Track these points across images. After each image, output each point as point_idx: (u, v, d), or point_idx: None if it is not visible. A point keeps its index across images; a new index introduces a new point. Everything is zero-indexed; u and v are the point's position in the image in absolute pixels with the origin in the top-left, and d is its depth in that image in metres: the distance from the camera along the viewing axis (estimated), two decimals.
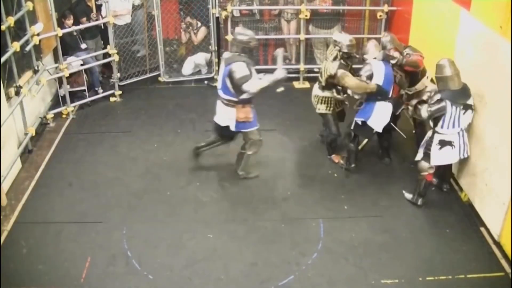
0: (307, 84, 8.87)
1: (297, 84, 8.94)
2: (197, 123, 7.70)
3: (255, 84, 5.70)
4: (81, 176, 6.47)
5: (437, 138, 5.56)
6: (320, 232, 5.55)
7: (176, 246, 5.36)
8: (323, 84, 6.26)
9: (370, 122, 6.02)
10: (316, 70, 9.15)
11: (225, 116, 5.98)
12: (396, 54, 6.01)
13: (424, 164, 5.70)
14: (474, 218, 5.70)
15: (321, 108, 6.43)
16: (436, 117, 5.45)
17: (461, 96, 5.40)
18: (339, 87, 6.17)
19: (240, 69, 5.64)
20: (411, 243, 5.40)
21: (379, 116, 6.01)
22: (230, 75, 5.70)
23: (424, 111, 5.50)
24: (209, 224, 5.66)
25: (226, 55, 5.96)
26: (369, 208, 5.92)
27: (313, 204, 5.98)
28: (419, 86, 6.13)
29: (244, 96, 5.81)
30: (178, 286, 4.91)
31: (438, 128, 5.51)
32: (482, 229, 5.54)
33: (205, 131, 7.44)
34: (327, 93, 6.32)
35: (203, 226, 5.63)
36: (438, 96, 5.40)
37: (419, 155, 5.78)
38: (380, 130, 6.09)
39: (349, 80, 5.93)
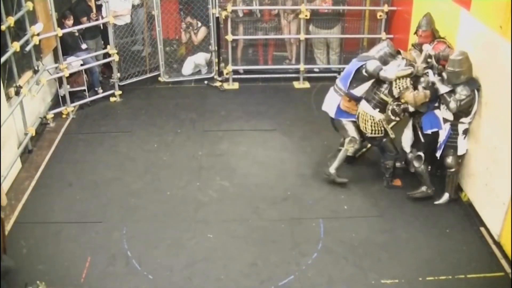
0: (307, 84, 8.87)
1: (297, 84, 8.94)
2: (197, 123, 7.70)
3: (392, 70, 5.73)
4: (81, 176, 6.47)
5: (461, 128, 5.62)
6: (320, 232, 5.55)
7: (176, 246, 5.36)
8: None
9: (442, 131, 5.75)
10: (316, 70, 9.19)
11: (330, 101, 6.23)
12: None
13: (452, 159, 5.70)
14: (474, 218, 5.69)
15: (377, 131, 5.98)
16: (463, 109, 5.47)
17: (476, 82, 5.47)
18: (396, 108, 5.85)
19: (372, 63, 5.83)
20: (411, 243, 5.40)
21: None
22: (360, 70, 5.88)
23: (453, 104, 5.40)
24: (209, 224, 5.66)
25: (365, 53, 6.26)
26: (369, 208, 5.92)
27: (313, 204, 5.98)
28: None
29: (355, 92, 5.96)
30: (178, 286, 4.91)
31: (464, 119, 5.55)
32: (482, 229, 5.54)
33: (204, 131, 7.47)
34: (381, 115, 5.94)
35: (203, 226, 5.63)
36: (467, 91, 5.36)
37: (439, 152, 5.76)
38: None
39: (409, 94, 5.70)
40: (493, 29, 5.21)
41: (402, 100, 5.77)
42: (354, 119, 6.12)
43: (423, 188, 5.96)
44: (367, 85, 5.93)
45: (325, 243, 5.39)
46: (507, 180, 5.02)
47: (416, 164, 5.90)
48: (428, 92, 5.68)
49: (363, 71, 5.86)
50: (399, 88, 5.71)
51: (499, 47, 5.11)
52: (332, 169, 6.22)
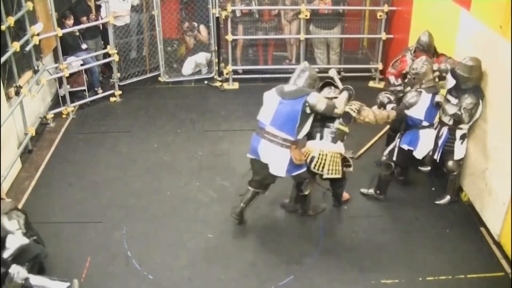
0: None
1: None
2: (197, 123, 7.70)
3: (341, 101, 5.24)
4: (81, 176, 6.47)
5: (459, 133, 5.62)
6: (320, 232, 5.55)
7: (176, 246, 5.36)
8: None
9: (416, 152, 5.63)
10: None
11: (273, 158, 5.15)
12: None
13: (453, 163, 5.71)
14: (474, 218, 5.70)
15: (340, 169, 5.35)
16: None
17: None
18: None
19: (320, 100, 5.11)
20: (411, 243, 5.40)
21: (424, 144, 5.66)
22: (305, 109, 5.07)
23: (466, 117, 5.40)
24: (209, 224, 5.66)
25: (287, 87, 5.21)
26: (369, 208, 5.92)
27: (313, 204, 5.96)
28: None
29: (300, 136, 5.17)
30: (178, 286, 4.91)
31: (463, 125, 5.56)
32: (482, 229, 5.54)
33: (204, 131, 7.47)
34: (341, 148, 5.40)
35: (203, 226, 5.63)
36: (472, 99, 5.37)
37: (437, 156, 5.75)
38: (421, 158, 5.75)
39: (368, 114, 5.41)
40: (493, 29, 5.21)
41: (361, 118, 5.42)
42: (305, 168, 5.28)
43: (375, 192, 5.99)
44: (309, 124, 5.18)
45: (325, 243, 5.40)
46: (507, 180, 5.02)
47: (384, 171, 5.87)
48: (393, 113, 5.57)
49: (307, 109, 5.07)
50: (355, 111, 5.34)
51: (499, 47, 5.11)
52: (310, 212, 5.76)
